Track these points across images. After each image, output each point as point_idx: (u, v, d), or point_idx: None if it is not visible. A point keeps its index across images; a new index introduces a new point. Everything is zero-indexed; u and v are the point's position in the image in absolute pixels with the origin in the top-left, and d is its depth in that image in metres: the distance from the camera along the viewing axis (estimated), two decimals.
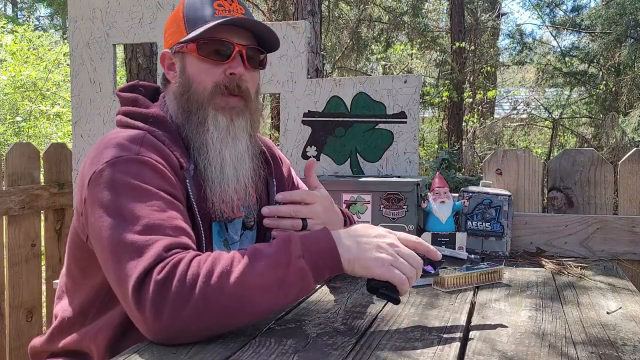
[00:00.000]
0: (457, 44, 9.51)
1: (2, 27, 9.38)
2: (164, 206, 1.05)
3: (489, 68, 10.43)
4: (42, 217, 2.55)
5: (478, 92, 10.07)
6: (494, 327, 1.10)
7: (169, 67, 1.26)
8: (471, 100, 10.03)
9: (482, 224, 1.79)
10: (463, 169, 7.65)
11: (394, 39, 10.80)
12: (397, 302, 1.03)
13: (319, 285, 1.36)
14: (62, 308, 1.24)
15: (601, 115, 6.93)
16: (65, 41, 10.23)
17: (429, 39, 10.16)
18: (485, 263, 1.51)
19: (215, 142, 1.19)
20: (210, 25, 1.16)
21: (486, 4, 11.28)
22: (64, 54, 8.20)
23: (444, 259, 1.14)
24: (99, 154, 1.10)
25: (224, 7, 1.20)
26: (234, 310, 0.95)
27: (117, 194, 1.04)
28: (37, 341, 1.29)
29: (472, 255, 1.20)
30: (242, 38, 1.21)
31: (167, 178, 1.11)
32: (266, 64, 1.30)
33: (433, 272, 1.14)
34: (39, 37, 9.29)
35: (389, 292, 1.02)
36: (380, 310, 1.18)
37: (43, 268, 2.55)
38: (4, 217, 2.30)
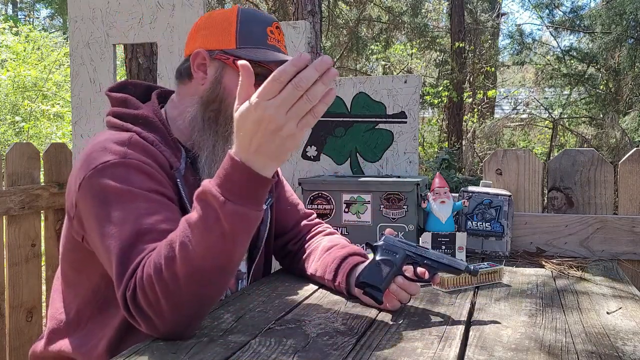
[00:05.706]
0: (457, 44, 9.52)
1: (3, 28, 9.37)
2: (154, 208, 1.06)
3: (488, 68, 10.45)
4: (42, 217, 2.55)
5: (478, 92, 10.08)
6: (494, 327, 1.10)
7: (199, 67, 1.24)
8: (471, 100, 10.04)
9: (482, 224, 1.79)
10: (463, 169, 7.65)
11: (393, 39, 10.81)
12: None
13: (316, 287, 1.36)
14: (58, 311, 1.24)
15: (601, 115, 6.92)
16: (67, 42, 10.22)
17: (428, 39, 10.17)
18: (485, 263, 1.51)
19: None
20: (270, 60, 1.19)
21: (486, 4, 11.28)
22: (64, 54, 8.20)
23: (441, 267, 1.18)
24: (87, 158, 1.11)
25: (274, 35, 1.24)
26: (201, 287, 0.94)
27: (105, 201, 1.05)
28: (37, 346, 1.28)
29: (472, 266, 1.21)
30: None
31: (156, 178, 1.12)
32: None
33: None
34: (43, 38, 9.28)
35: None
36: (381, 311, 1.18)
37: (43, 268, 2.55)
38: (4, 217, 2.30)
